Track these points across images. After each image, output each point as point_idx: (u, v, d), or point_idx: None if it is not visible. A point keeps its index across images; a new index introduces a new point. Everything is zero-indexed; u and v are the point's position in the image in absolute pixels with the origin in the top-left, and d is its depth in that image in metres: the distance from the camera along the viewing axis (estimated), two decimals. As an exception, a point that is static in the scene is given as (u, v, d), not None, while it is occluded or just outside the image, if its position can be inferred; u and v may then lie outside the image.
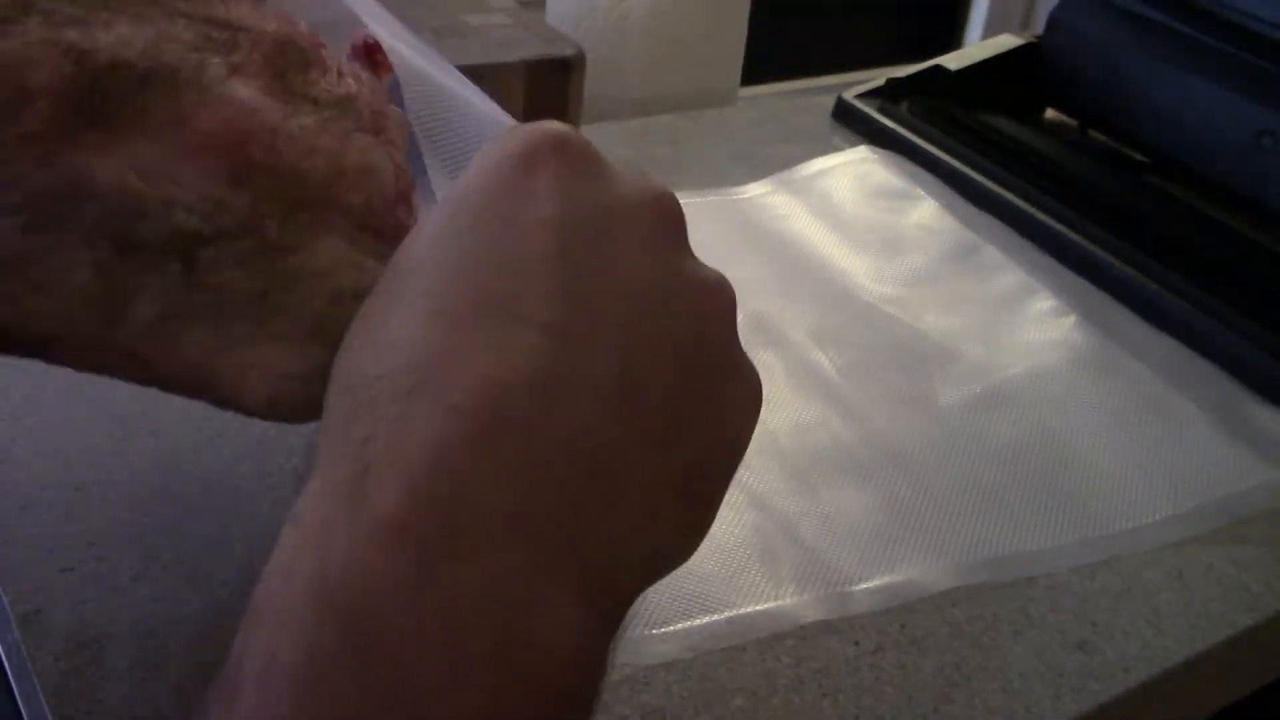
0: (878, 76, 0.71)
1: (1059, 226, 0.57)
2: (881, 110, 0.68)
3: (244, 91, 0.25)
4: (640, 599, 0.22)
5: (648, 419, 0.21)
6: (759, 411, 0.24)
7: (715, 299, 0.23)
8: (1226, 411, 0.47)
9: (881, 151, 0.65)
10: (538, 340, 0.20)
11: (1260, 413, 0.47)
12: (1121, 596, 0.38)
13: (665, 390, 0.21)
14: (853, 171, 0.63)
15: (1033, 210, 0.59)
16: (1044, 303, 0.53)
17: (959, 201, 0.61)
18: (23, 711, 0.31)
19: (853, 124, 0.69)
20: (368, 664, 0.17)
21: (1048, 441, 0.44)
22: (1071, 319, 0.52)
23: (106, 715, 0.29)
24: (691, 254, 0.23)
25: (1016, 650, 0.35)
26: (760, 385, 0.24)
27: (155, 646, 0.31)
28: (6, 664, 0.32)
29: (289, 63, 0.26)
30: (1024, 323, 0.52)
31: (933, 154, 0.64)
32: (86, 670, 0.30)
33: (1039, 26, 0.73)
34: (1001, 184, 0.61)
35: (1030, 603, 0.37)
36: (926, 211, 0.60)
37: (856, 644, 0.35)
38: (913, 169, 0.63)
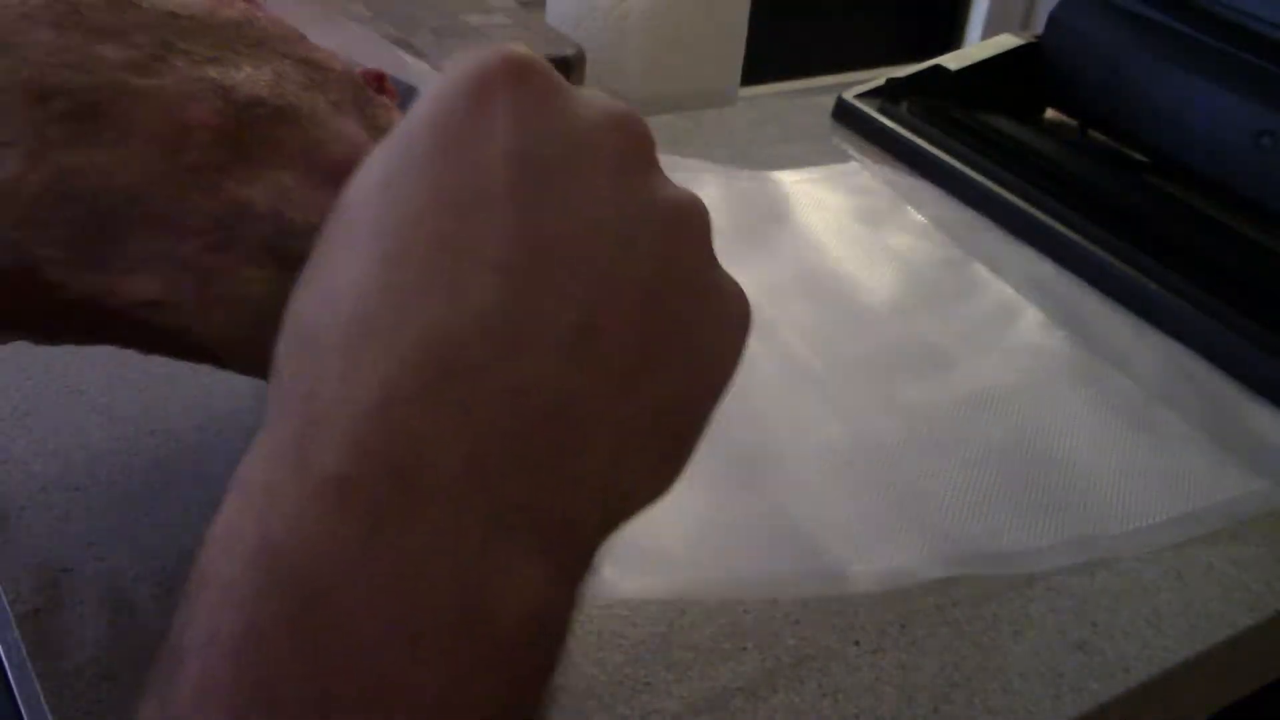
0: (878, 76, 0.71)
1: (1059, 226, 0.57)
2: (881, 110, 0.68)
3: (349, 126, 0.27)
4: (615, 539, 0.21)
5: (612, 361, 0.20)
6: (747, 332, 0.23)
7: (686, 222, 0.22)
8: (1225, 415, 0.47)
9: (872, 165, 0.64)
10: (492, 285, 0.19)
11: (1259, 415, 0.47)
12: (1121, 596, 0.38)
13: (633, 328, 0.20)
14: (845, 184, 0.62)
15: (1033, 210, 0.59)
16: (1038, 311, 0.53)
17: (952, 210, 0.61)
18: (23, 711, 0.31)
19: (853, 124, 0.69)
20: (314, 635, 0.16)
21: (1043, 444, 0.44)
22: (1065, 329, 0.52)
23: (107, 715, 0.29)
24: (659, 175, 0.22)
25: (1016, 650, 0.35)
26: (746, 304, 0.23)
27: (155, 647, 0.31)
28: (6, 664, 0.32)
29: (361, 99, 0.29)
30: (1018, 329, 0.52)
31: (932, 154, 0.64)
32: (86, 670, 0.30)
33: (1039, 26, 0.73)
34: (1001, 184, 0.61)
35: (1030, 603, 0.37)
36: (918, 222, 0.59)
37: (856, 644, 0.35)
38: (907, 181, 0.63)
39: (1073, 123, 0.72)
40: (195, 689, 0.16)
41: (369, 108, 0.28)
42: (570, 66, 0.60)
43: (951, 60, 0.72)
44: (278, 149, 0.26)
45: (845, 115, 0.70)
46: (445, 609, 0.17)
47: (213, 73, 0.25)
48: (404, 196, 0.20)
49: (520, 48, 0.21)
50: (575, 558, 0.20)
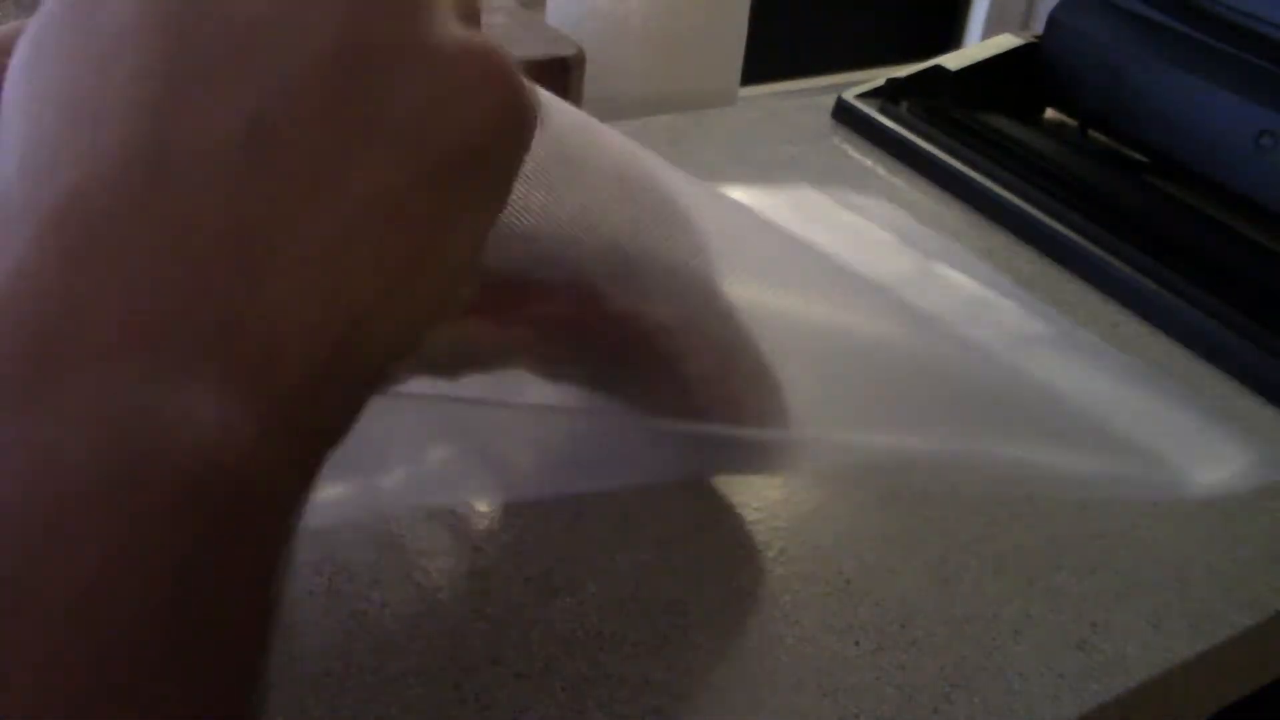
0: (878, 76, 0.71)
1: (1059, 226, 0.57)
2: (881, 110, 0.68)
3: None
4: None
5: (298, 161, 0.18)
6: (496, 91, 0.20)
7: None
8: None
9: (824, 193, 0.63)
10: (131, 120, 0.17)
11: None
12: (1121, 596, 0.38)
13: (319, 118, 0.18)
14: (787, 200, 0.61)
15: (1033, 210, 0.59)
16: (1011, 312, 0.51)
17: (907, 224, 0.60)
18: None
19: (853, 124, 0.69)
20: None
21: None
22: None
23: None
24: None
25: (1016, 650, 0.35)
26: (490, 60, 0.20)
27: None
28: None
29: None
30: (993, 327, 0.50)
31: (933, 154, 0.64)
32: (86, 670, 0.30)
33: (1039, 26, 0.73)
34: (1001, 184, 0.61)
35: (1030, 603, 0.37)
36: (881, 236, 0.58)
37: (856, 644, 0.35)
38: (859, 200, 0.62)
39: (1073, 123, 0.72)
40: None
41: None
42: (570, 66, 0.60)
43: (951, 60, 0.72)
44: None
45: (845, 115, 0.70)
46: (95, 488, 0.15)
47: None
48: (42, 66, 0.18)
49: None
50: (291, 394, 0.18)
